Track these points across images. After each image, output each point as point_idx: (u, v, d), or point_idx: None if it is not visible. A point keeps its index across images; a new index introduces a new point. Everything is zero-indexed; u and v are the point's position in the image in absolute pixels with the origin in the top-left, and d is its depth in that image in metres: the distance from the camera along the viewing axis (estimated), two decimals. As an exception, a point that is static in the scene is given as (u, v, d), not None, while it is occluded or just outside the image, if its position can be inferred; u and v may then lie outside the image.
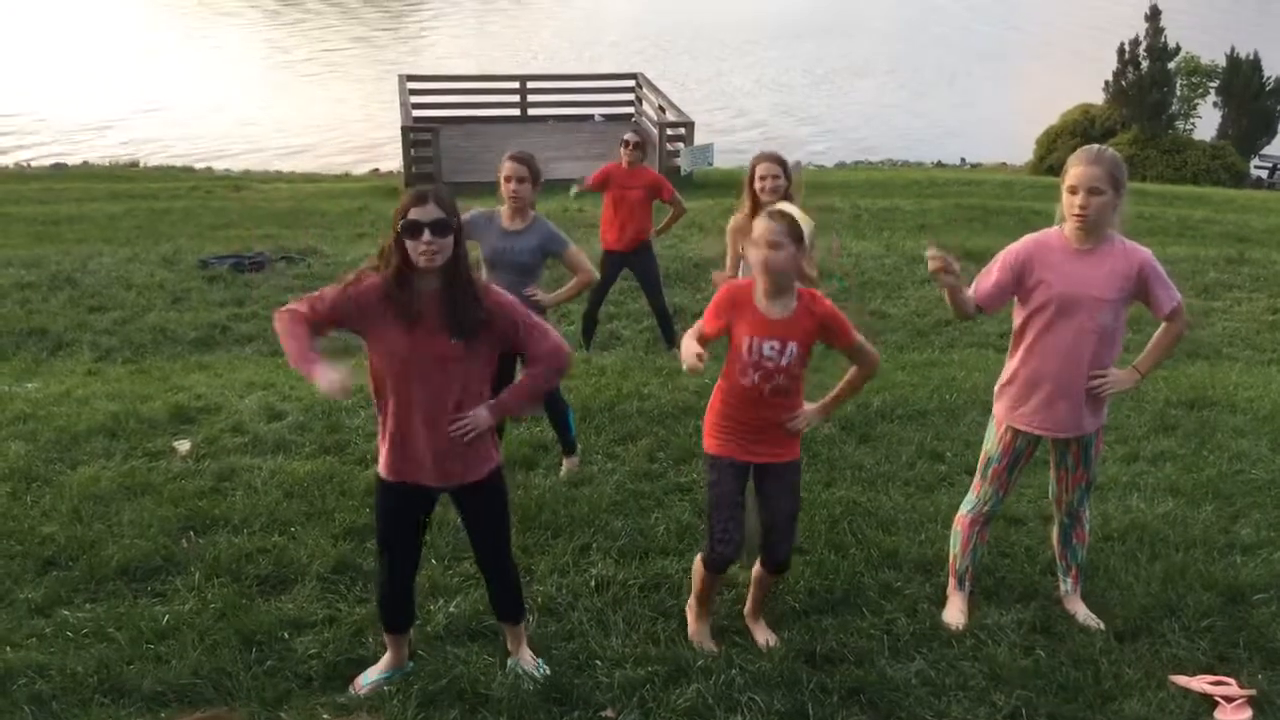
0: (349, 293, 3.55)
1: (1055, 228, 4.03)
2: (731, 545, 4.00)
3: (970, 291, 4.10)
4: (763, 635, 4.25)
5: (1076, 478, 4.26)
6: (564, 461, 5.80)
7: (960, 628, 4.27)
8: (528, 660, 4.01)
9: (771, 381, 3.87)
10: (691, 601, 4.26)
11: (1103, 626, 4.30)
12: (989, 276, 4.09)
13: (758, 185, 5.70)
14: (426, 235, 3.44)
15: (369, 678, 3.95)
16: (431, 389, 3.58)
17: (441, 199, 3.51)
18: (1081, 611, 4.38)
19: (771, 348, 3.83)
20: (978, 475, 4.37)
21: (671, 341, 8.65)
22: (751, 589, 4.28)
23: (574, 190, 8.96)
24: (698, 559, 4.14)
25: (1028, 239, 4.07)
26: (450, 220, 3.49)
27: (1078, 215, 3.88)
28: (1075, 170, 3.88)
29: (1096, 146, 4.01)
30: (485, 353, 3.63)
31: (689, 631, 4.24)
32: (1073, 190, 3.88)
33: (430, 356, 3.54)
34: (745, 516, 4.11)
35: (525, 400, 3.78)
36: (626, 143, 8.27)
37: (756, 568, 4.20)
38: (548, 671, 3.97)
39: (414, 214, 3.44)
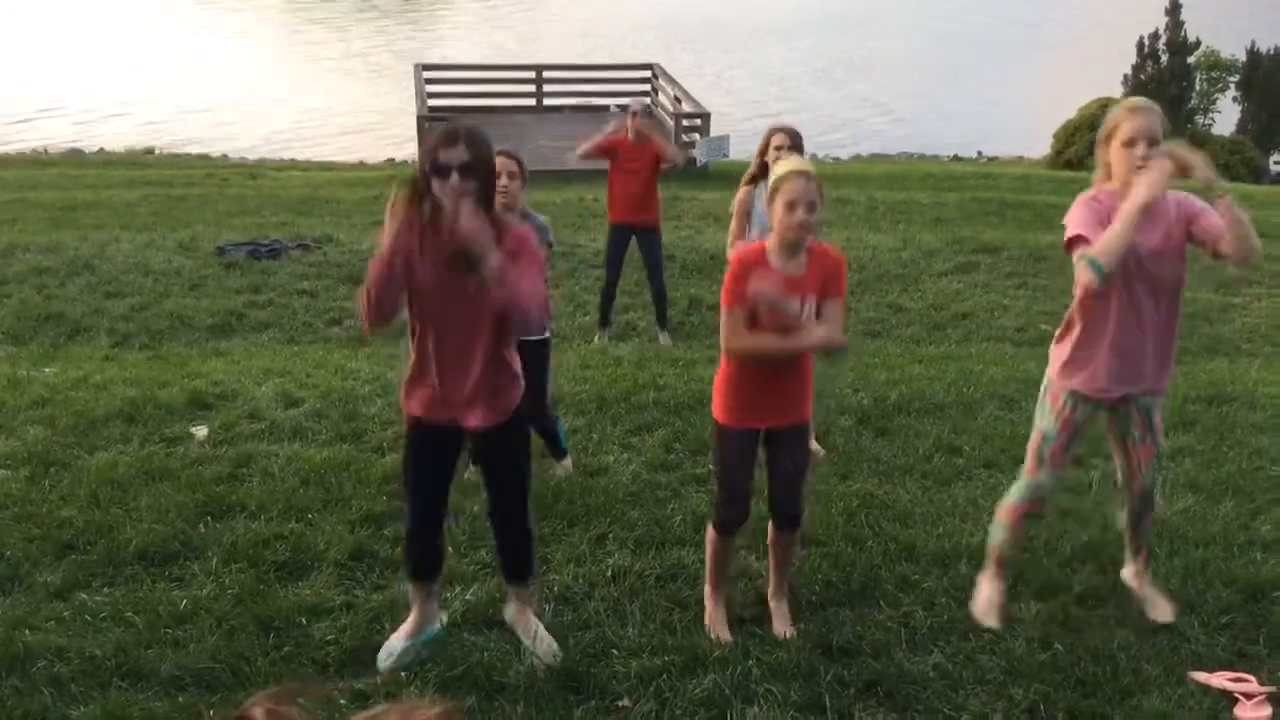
0: (395, 256, 3.53)
1: (1105, 188, 3.84)
2: (739, 505, 4.05)
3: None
4: (781, 624, 4.23)
5: (1146, 450, 4.07)
6: (557, 466, 5.67)
7: (997, 625, 4.18)
8: (542, 638, 4.01)
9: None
10: (707, 586, 4.25)
11: (1172, 616, 4.25)
12: (1091, 223, 3.76)
13: (771, 156, 5.69)
14: (454, 179, 3.40)
15: (396, 646, 3.94)
16: (462, 326, 3.59)
17: (473, 139, 3.46)
18: (1151, 595, 4.32)
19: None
20: (1030, 459, 4.16)
21: (664, 324, 8.76)
22: (770, 557, 4.27)
23: (579, 152, 8.47)
24: (709, 527, 4.17)
25: (1091, 201, 3.82)
26: (478, 163, 3.44)
27: (1141, 167, 3.68)
28: (1132, 123, 3.71)
29: (1137, 97, 3.91)
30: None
31: (705, 618, 4.23)
32: (1130, 143, 3.71)
33: (460, 294, 3.53)
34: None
35: (507, 282, 3.45)
36: (635, 113, 8.18)
37: (770, 529, 4.20)
38: (556, 648, 3.97)
39: (443, 156, 3.41)
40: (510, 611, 4.12)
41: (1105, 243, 3.66)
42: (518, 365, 3.80)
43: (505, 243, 3.51)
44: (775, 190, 3.80)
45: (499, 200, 5.26)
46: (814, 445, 5.91)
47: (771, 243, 3.87)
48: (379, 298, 3.54)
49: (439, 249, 3.52)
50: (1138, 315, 3.88)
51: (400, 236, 3.54)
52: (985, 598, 4.31)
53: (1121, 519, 4.40)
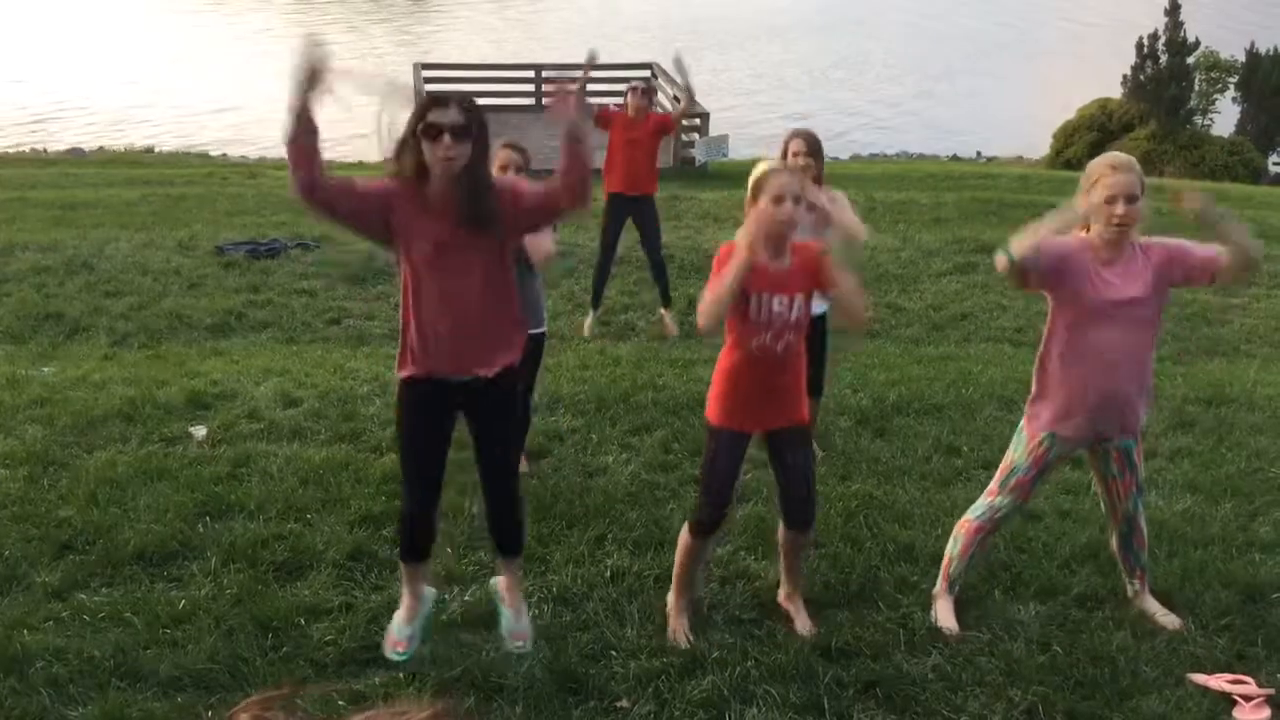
0: (374, 187, 3.57)
1: (1080, 236, 3.96)
2: (720, 509, 4.05)
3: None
4: (803, 624, 4.24)
5: (1126, 484, 4.18)
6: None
7: (956, 632, 4.21)
8: (523, 617, 4.04)
9: (782, 339, 3.85)
10: (672, 593, 4.22)
11: (1179, 623, 4.27)
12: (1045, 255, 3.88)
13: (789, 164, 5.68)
14: (446, 139, 3.40)
15: (404, 631, 3.96)
16: (453, 279, 3.59)
17: (464, 102, 3.48)
18: (1154, 608, 4.35)
19: (780, 302, 3.83)
20: (995, 483, 4.25)
21: (667, 298, 8.77)
22: (782, 558, 4.27)
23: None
24: (684, 528, 4.15)
25: (1069, 241, 3.96)
26: (470, 124, 3.45)
27: (1120, 224, 3.82)
28: (1111, 179, 3.82)
29: (1118, 153, 3.99)
30: (505, 242, 3.64)
31: (669, 625, 4.18)
32: (1111, 200, 3.82)
33: (450, 246, 3.55)
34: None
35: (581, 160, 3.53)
36: (635, 89, 8.35)
37: (781, 530, 4.19)
38: (530, 637, 3.99)
39: (433, 116, 3.41)
40: (500, 583, 4.12)
41: (1023, 239, 3.85)
42: (518, 312, 3.82)
43: (503, 201, 3.56)
44: (758, 188, 3.82)
45: None
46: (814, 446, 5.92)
47: (756, 240, 3.85)
48: (304, 156, 3.46)
49: (443, 210, 3.53)
50: (1116, 362, 3.95)
51: (375, 195, 3.54)
52: (941, 612, 4.31)
53: (1113, 543, 4.43)
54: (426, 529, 3.95)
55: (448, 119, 3.40)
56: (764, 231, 3.83)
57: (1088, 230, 3.96)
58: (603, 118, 8.34)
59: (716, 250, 3.94)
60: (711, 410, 4.04)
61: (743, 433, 4.02)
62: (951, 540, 4.37)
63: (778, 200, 3.76)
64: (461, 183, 3.50)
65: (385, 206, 3.57)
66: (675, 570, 4.22)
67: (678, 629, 4.17)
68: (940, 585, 4.37)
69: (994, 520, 4.28)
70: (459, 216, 3.52)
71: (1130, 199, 3.82)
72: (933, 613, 4.32)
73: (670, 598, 4.25)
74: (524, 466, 5.55)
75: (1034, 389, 4.14)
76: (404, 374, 3.77)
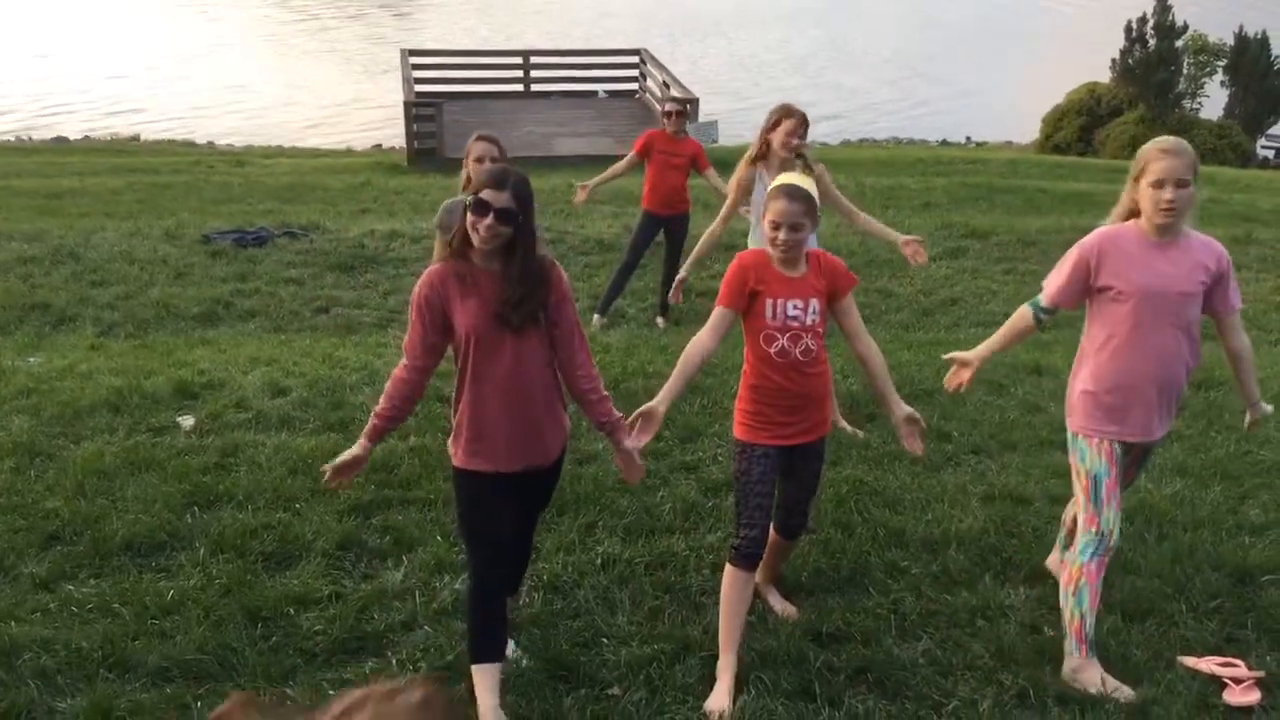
0: (421, 301, 3.53)
1: (1130, 223, 3.84)
2: (758, 531, 3.86)
3: (1043, 298, 3.97)
4: (779, 604, 4.26)
5: (1126, 476, 4.03)
6: None
7: (1127, 690, 3.80)
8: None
9: (800, 344, 3.81)
10: (722, 643, 3.85)
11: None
12: (1060, 276, 3.90)
13: (779, 140, 5.71)
14: (489, 219, 3.42)
15: None
16: (500, 367, 3.53)
17: (519, 188, 3.47)
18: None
19: (796, 306, 3.79)
20: (1088, 506, 3.88)
21: (665, 310, 8.96)
22: (767, 554, 4.21)
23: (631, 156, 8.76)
24: (726, 568, 3.91)
25: (1102, 235, 3.85)
26: (519, 213, 3.45)
27: (1167, 209, 3.70)
28: (1161, 164, 3.71)
29: (1171, 138, 3.84)
30: (544, 334, 3.58)
31: (713, 693, 3.75)
32: (1159, 185, 3.71)
33: (493, 333, 3.50)
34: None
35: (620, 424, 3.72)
36: (669, 113, 8.61)
37: (772, 532, 4.12)
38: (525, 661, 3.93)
39: (486, 194, 3.44)
40: None
41: (991, 342, 4.18)
42: (562, 396, 3.76)
43: (553, 293, 3.55)
44: (766, 207, 3.80)
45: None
46: (844, 424, 5.97)
47: (770, 254, 3.85)
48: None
49: (481, 295, 3.50)
50: (1173, 356, 3.84)
51: (429, 308, 3.53)
52: (1089, 677, 3.85)
53: (1070, 518, 4.33)
54: (497, 607, 3.61)
55: (498, 202, 3.42)
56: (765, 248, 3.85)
57: (1127, 215, 3.85)
58: (642, 148, 8.54)
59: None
60: (739, 428, 3.94)
61: (772, 447, 3.87)
62: (1072, 598, 3.87)
63: (775, 226, 3.74)
64: (505, 272, 3.49)
65: (443, 312, 3.53)
66: (721, 615, 3.88)
67: (720, 698, 3.72)
68: (1079, 651, 3.87)
69: (1109, 548, 3.90)
70: (498, 302, 3.48)
71: (1180, 184, 3.70)
72: (1078, 681, 3.84)
73: (721, 642, 3.86)
74: None
75: (1080, 390, 3.95)
76: (469, 466, 3.65)
